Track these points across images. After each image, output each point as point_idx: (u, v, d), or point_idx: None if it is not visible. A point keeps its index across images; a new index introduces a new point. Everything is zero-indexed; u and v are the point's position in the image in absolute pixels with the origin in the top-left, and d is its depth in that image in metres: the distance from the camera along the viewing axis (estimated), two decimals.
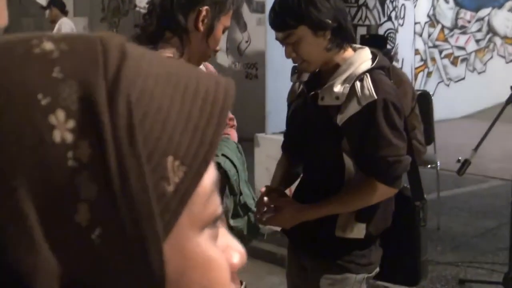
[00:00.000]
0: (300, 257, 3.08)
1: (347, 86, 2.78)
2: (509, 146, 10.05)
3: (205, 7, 2.59)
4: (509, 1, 15.01)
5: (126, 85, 0.58)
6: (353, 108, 2.75)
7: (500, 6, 14.86)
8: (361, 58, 2.85)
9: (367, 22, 9.29)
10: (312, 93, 2.88)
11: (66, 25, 11.01)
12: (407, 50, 12.65)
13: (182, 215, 0.60)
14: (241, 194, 2.90)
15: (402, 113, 2.84)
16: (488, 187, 8.33)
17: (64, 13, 11.21)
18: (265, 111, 11.09)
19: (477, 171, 9.37)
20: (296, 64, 2.98)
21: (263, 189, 2.98)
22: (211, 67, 3.15)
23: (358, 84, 2.77)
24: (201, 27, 2.60)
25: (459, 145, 9.96)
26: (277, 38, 2.90)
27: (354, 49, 2.90)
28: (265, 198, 2.92)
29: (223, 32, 2.70)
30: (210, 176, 0.63)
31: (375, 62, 2.84)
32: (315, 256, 2.98)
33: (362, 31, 9.27)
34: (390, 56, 6.54)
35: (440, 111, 11.89)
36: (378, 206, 2.87)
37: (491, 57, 14.63)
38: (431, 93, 12.97)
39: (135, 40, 2.68)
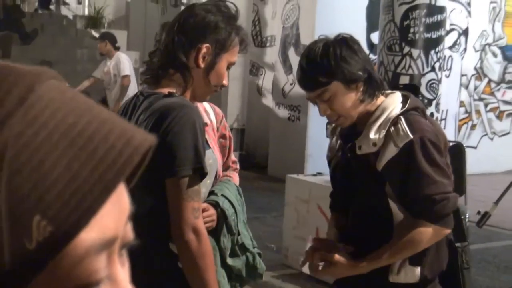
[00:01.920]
0: None
1: (383, 131, 2.75)
2: None
3: (205, 45, 2.66)
4: None
5: (7, 135, 0.58)
6: (391, 151, 2.72)
7: None
8: (394, 103, 2.82)
9: (410, 72, 9.35)
10: (350, 144, 2.85)
11: (124, 59, 11.20)
12: (452, 101, 12.71)
13: (43, 274, 0.59)
14: (239, 234, 2.97)
15: (442, 150, 2.78)
16: None
17: (116, 48, 11.41)
18: (305, 153, 11.14)
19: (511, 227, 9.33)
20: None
21: (310, 239, 2.97)
22: (218, 110, 3.25)
23: (392, 128, 2.75)
24: (202, 64, 2.67)
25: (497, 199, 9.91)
26: (308, 98, 2.87)
27: (386, 95, 2.89)
28: (323, 254, 2.87)
29: (228, 68, 2.75)
30: (90, 240, 0.61)
31: (408, 104, 2.81)
32: None
33: (404, 80, 9.34)
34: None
35: (482, 164, 11.87)
36: (430, 248, 2.81)
37: None
38: (474, 145, 13.08)
39: (141, 76, 2.83)
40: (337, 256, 2.83)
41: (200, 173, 2.56)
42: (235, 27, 2.75)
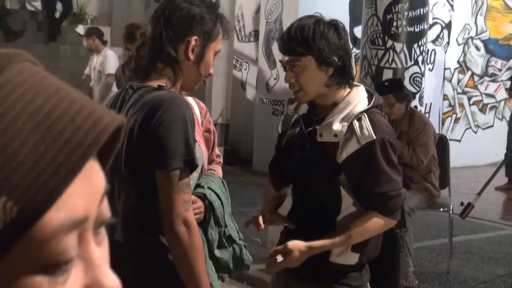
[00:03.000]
0: (289, 282, 3.17)
1: (345, 124, 2.89)
2: None
3: (194, 37, 2.68)
4: None
5: None
6: (352, 146, 2.87)
7: None
8: (358, 97, 2.96)
9: (393, 65, 9.39)
10: (310, 129, 2.98)
11: (111, 57, 11.15)
12: (435, 95, 12.76)
13: (11, 253, 0.60)
14: (226, 226, 2.99)
15: (397, 149, 2.99)
16: (506, 234, 8.34)
17: (104, 43, 11.36)
18: None
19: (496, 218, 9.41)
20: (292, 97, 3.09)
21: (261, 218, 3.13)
22: (202, 104, 3.26)
23: (356, 123, 2.88)
24: (191, 56, 2.68)
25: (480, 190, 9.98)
26: (281, 60, 2.99)
27: (350, 86, 3.01)
28: (275, 249, 3.00)
29: (214, 55, 2.78)
30: (59, 220, 0.62)
31: (372, 101, 2.96)
32: (310, 280, 3.08)
33: (388, 73, 9.38)
34: (409, 100, 6.64)
35: (466, 157, 11.95)
36: (371, 237, 3.01)
37: None
38: (458, 139, 13.15)
39: (131, 71, 2.82)
40: (290, 243, 2.93)
41: (190, 165, 2.56)
42: (218, 16, 2.77)
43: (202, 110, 3.27)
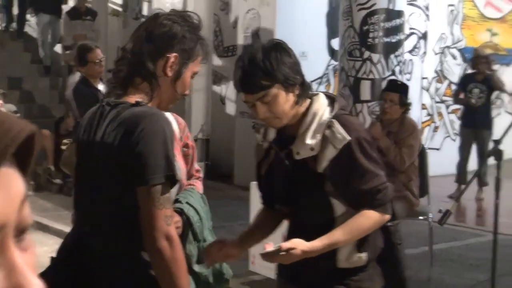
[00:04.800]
0: None
1: (318, 136, 2.91)
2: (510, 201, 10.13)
3: (174, 54, 2.70)
4: None
5: None
6: (330, 153, 2.90)
7: (508, 63, 15.03)
8: (322, 105, 2.98)
9: (371, 76, 9.46)
10: (286, 151, 2.99)
11: None
12: (414, 104, 12.78)
13: None
14: (204, 241, 3.01)
15: (374, 143, 3.03)
16: (485, 241, 8.39)
17: None
18: None
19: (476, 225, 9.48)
20: (257, 124, 3.10)
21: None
22: (180, 120, 3.29)
23: (328, 131, 2.91)
24: (169, 73, 2.71)
25: (462, 198, 10.06)
26: (246, 100, 2.95)
27: (310, 97, 3.02)
28: (280, 244, 2.93)
29: (192, 77, 2.80)
30: None
31: (336, 104, 2.99)
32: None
33: (366, 84, 9.45)
34: (408, 109, 6.85)
35: (446, 165, 11.99)
36: (370, 233, 3.03)
37: (499, 114, 14.74)
38: (437, 147, 13.22)
39: (108, 84, 2.85)
40: (294, 240, 2.89)
41: (171, 180, 2.58)
42: (199, 38, 2.79)
43: (181, 125, 3.31)
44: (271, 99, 2.87)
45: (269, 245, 2.91)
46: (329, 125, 2.92)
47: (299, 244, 2.87)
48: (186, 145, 3.29)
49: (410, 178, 6.62)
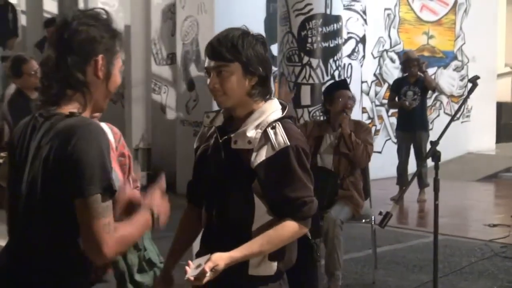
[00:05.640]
0: None
1: (259, 132, 2.97)
2: (450, 201, 10.26)
3: (100, 55, 2.65)
4: (454, 61, 15.39)
5: None
6: (267, 152, 2.94)
7: (445, 66, 15.24)
8: (272, 108, 3.05)
9: (310, 81, 9.49)
10: (225, 137, 3.02)
11: None
12: (354, 108, 12.86)
13: None
14: (145, 250, 2.96)
15: (309, 157, 3.06)
16: (428, 242, 8.45)
17: None
18: None
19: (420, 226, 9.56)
20: (208, 112, 3.17)
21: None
22: (116, 129, 3.23)
23: (271, 131, 2.97)
24: (101, 75, 2.66)
25: (405, 201, 10.18)
26: (207, 67, 3.03)
27: (266, 100, 3.09)
28: (204, 267, 2.87)
29: (120, 71, 2.77)
30: None
31: (285, 112, 3.06)
32: None
33: (306, 89, 9.48)
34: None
35: (388, 168, 12.08)
36: (287, 245, 3.04)
37: (438, 115, 14.94)
38: (379, 150, 13.31)
39: (39, 101, 2.75)
40: (214, 257, 2.86)
41: (109, 190, 2.52)
42: (114, 32, 2.75)
43: (116, 135, 3.26)
44: (226, 74, 2.97)
45: (190, 265, 2.86)
46: (273, 126, 2.98)
47: (219, 260, 2.86)
48: (122, 155, 3.23)
49: (357, 178, 6.66)
